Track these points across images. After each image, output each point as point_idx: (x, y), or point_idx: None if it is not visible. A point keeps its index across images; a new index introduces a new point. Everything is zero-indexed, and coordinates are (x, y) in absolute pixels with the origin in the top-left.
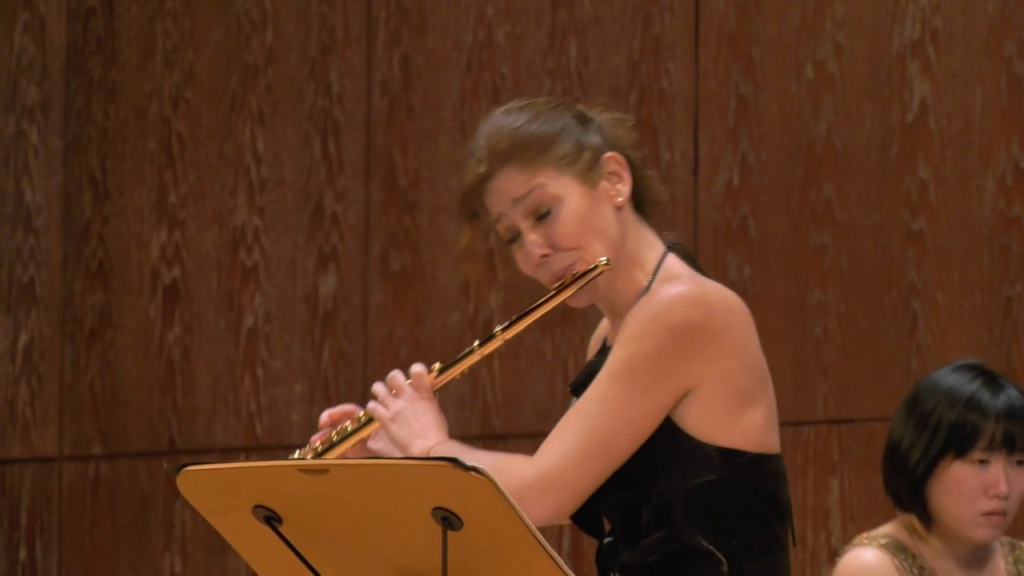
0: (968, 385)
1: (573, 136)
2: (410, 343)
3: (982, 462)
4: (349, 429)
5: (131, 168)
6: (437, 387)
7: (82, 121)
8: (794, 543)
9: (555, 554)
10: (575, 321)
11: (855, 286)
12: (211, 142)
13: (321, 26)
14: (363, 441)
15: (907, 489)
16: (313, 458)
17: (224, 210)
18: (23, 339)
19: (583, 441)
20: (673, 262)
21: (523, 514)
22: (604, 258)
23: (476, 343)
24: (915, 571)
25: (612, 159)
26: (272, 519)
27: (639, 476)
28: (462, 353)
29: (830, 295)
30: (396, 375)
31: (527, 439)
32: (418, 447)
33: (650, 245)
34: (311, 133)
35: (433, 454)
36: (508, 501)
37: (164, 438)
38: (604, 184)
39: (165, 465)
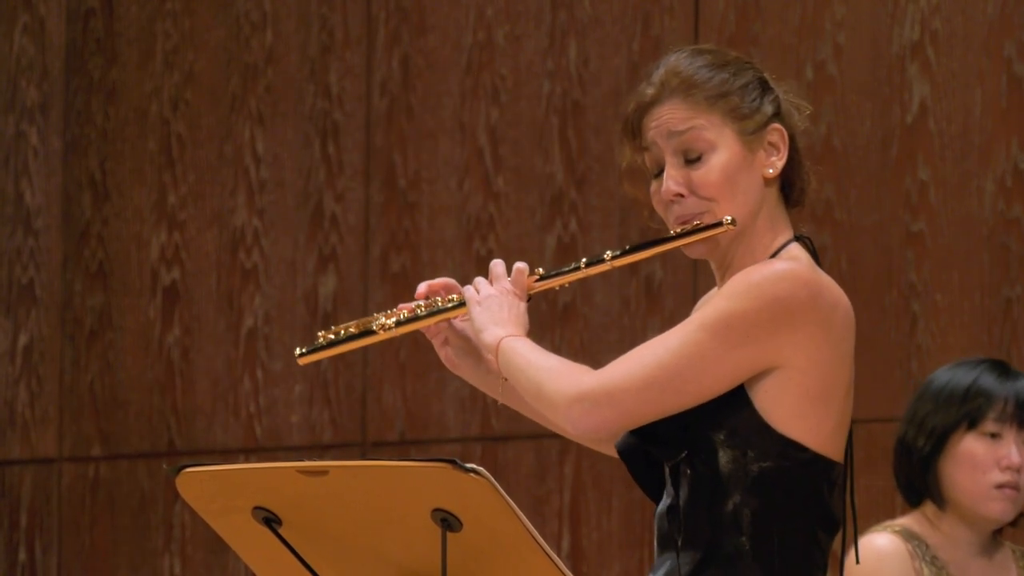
0: (974, 370)
1: (750, 96)
2: (410, 344)
3: (994, 435)
4: (439, 305)
5: (131, 169)
6: (533, 291)
7: (82, 122)
8: (841, 564)
9: (554, 555)
10: (575, 322)
11: (855, 286)
12: (211, 143)
13: (321, 26)
14: (450, 321)
15: (919, 464)
16: (396, 325)
17: (224, 211)
18: (23, 340)
19: (651, 371)
20: (796, 248)
21: (521, 515)
22: (730, 217)
23: (583, 261)
24: (928, 558)
25: (777, 130)
26: (271, 520)
27: (704, 439)
28: (568, 267)
29: None
30: (498, 264)
31: (527, 440)
32: (490, 335)
33: (781, 227)
34: (311, 134)
35: (503, 345)
36: (507, 502)
37: (164, 439)
38: (761, 153)
39: (164, 466)
